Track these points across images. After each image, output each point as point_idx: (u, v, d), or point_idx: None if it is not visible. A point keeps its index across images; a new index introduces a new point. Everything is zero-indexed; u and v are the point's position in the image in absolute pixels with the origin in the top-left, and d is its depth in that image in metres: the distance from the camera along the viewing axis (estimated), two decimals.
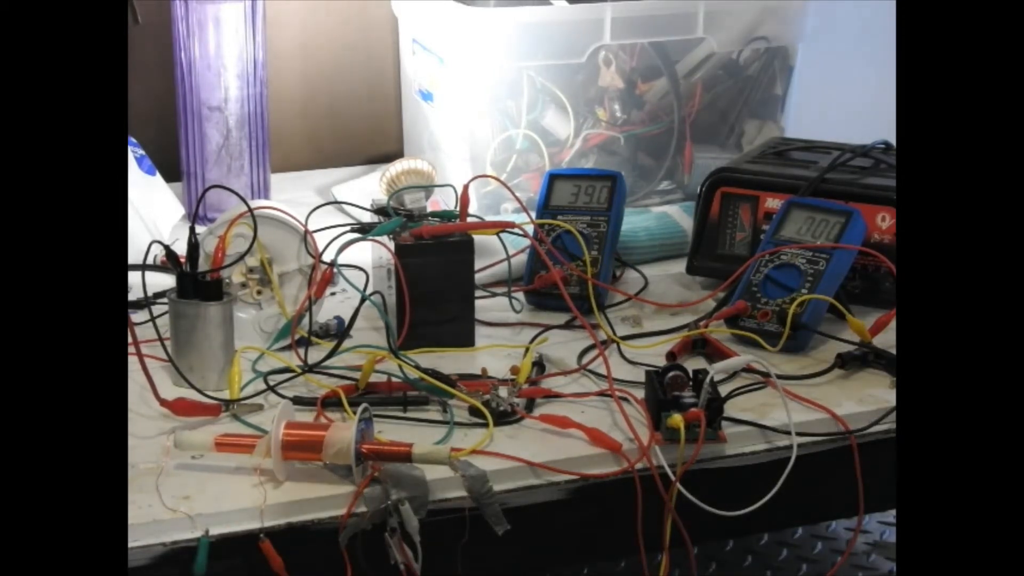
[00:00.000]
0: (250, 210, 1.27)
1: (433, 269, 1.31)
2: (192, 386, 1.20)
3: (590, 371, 1.28)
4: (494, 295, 1.42)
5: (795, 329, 1.32)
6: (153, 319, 1.25)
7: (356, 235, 1.33)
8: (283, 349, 1.30)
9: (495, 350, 1.33)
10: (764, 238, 1.42)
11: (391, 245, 1.31)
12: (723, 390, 1.22)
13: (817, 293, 1.34)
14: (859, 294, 1.43)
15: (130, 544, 1.00)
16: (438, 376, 1.22)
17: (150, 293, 1.30)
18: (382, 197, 1.41)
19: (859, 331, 1.33)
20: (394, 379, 1.22)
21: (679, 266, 1.55)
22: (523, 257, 1.46)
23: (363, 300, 1.30)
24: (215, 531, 1.02)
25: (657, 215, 1.66)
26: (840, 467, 1.19)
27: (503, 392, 1.21)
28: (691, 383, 1.18)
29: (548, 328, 1.38)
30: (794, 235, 1.39)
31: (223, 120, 1.63)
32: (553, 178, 1.50)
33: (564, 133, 1.68)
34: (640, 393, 1.22)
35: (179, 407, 1.16)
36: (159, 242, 1.29)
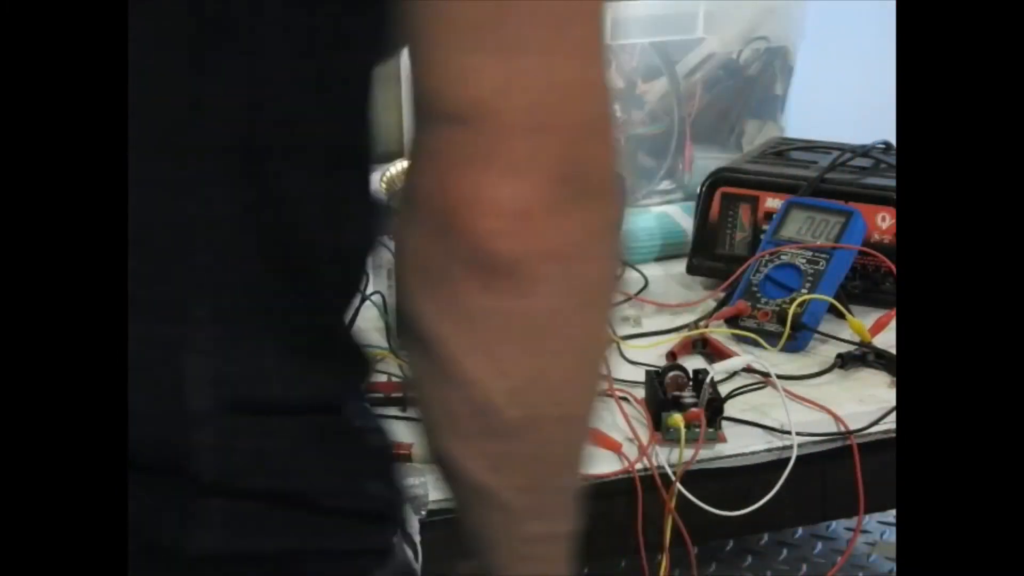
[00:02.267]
0: None
1: None
2: None
3: None
4: None
5: (795, 329, 1.32)
6: None
7: None
8: None
9: None
10: (764, 238, 1.42)
11: (391, 245, 1.31)
12: (723, 390, 1.22)
13: (817, 293, 1.34)
14: (859, 294, 1.43)
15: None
16: None
17: None
18: (382, 197, 1.41)
19: (859, 331, 1.33)
20: (394, 379, 1.22)
21: (679, 266, 1.55)
22: None
23: (363, 300, 1.30)
24: None
25: (657, 215, 1.66)
26: (840, 467, 1.19)
27: None
28: (691, 383, 1.18)
29: None
30: (794, 235, 1.39)
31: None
32: None
33: None
34: (640, 393, 1.22)
35: None
36: None
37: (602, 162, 0.63)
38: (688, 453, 1.13)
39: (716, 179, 1.52)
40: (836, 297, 1.35)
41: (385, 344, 1.28)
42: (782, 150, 1.60)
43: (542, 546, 0.72)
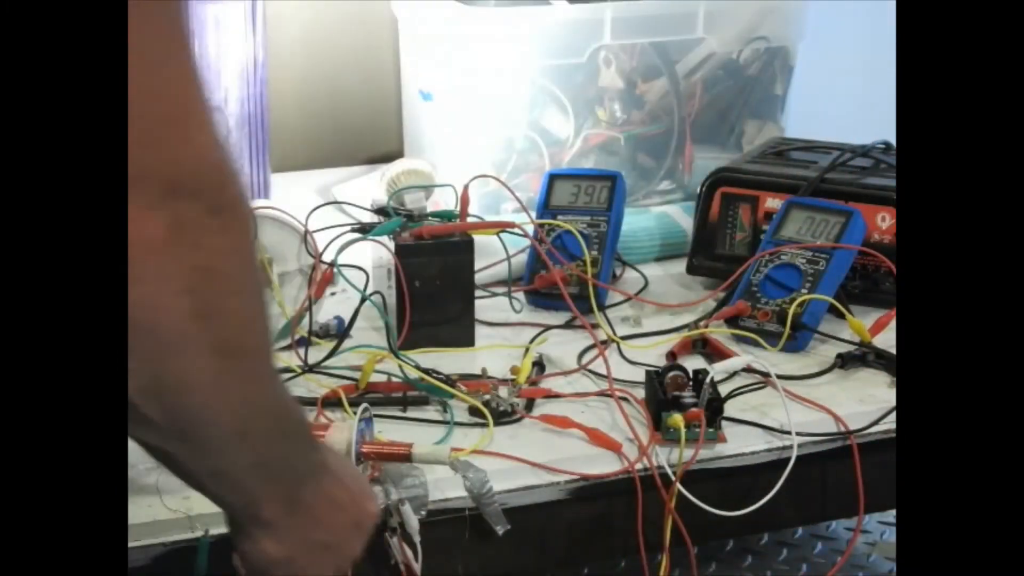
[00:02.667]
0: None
1: (433, 269, 1.31)
2: None
3: (590, 371, 1.28)
4: (494, 295, 1.42)
5: (795, 329, 1.32)
6: None
7: (356, 235, 1.33)
8: (283, 349, 1.30)
9: (495, 350, 1.33)
10: (764, 238, 1.42)
11: (391, 245, 1.31)
12: (723, 390, 1.22)
13: (817, 293, 1.34)
14: (859, 294, 1.43)
15: (130, 544, 1.00)
16: (438, 376, 1.22)
17: None
18: (382, 197, 1.41)
19: (859, 331, 1.33)
20: (394, 379, 1.22)
21: (679, 266, 1.55)
22: (523, 257, 1.46)
23: (363, 300, 1.30)
24: (215, 531, 1.02)
25: (657, 215, 1.66)
26: (840, 467, 1.19)
27: (503, 392, 1.21)
28: (691, 383, 1.18)
29: (548, 328, 1.38)
30: (794, 235, 1.39)
31: (223, 120, 1.63)
32: (553, 178, 1.50)
33: (564, 133, 1.68)
34: (640, 393, 1.22)
35: None
36: None
37: (186, 155, 0.66)
38: (688, 453, 1.13)
39: (716, 179, 1.52)
40: (836, 297, 1.35)
41: (385, 344, 1.28)
42: (782, 150, 1.60)
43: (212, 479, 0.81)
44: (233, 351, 0.72)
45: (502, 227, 1.35)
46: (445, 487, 1.08)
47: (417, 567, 1.06)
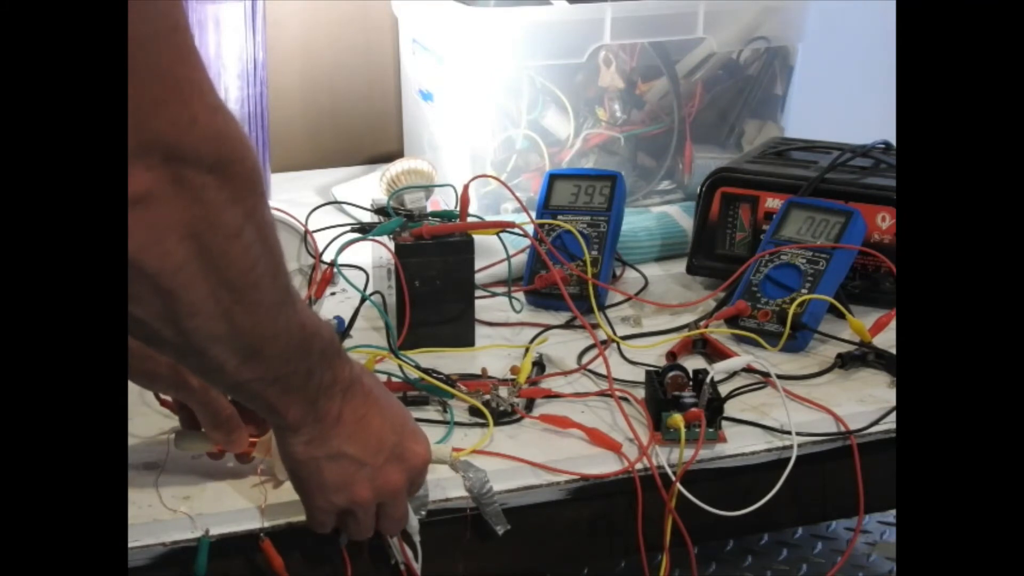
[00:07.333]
0: None
1: (433, 269, 1.31)
2: None
3: (590, 371, 1.28)
4: (494, 295, 1.42)
5: (795, 329, 1.32)
6: None
7: (356, 235, 1.33)
8: None
9: (495, 350, 1.33)
10: (764, 238, 1.42)
11: (391, 245, 1.31)
12: (723, 390, 1.22)
13: (817, 293, 1.34)
14: (859, 294, 1.43)
15: (130, 544, 1.00)
16: (438, 376, 1.22)
17: None
18: (382, 197, 1.41)
19: (859, 331, 1.33)
20: (394, 379, 1.22)
21: (679, 266, 1.55)
22: (523, 257, 1.46)
23: (363, 300, 1.30)
24: (215, 531, 1.02)
25: (657, 215, 1.66)
26: (840, 467, 1.19)
27: (503, 392, 1.21)
28: (691, 383, 1.18)
29: (548, 328, 1.38)
30: (794, 235, 1.39)
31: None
32: (553, 178, 1.50)
33: (564, 133, 1.68)
34: (640, 393, 1.22)
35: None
36: None
37: (184, 122, 0.72)
38: (688, 453, 1.13)
39: (716, 179, 1.52)
40: (836, 297, 1.35)
41: (385, 344, 1.28)
42: (782, 150, 1.60)
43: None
44: (238, 287, 0.80)
45: (502, 227, 1.35)
46: (445, 487, 1.08)
47: (417, 567, 1.06)
